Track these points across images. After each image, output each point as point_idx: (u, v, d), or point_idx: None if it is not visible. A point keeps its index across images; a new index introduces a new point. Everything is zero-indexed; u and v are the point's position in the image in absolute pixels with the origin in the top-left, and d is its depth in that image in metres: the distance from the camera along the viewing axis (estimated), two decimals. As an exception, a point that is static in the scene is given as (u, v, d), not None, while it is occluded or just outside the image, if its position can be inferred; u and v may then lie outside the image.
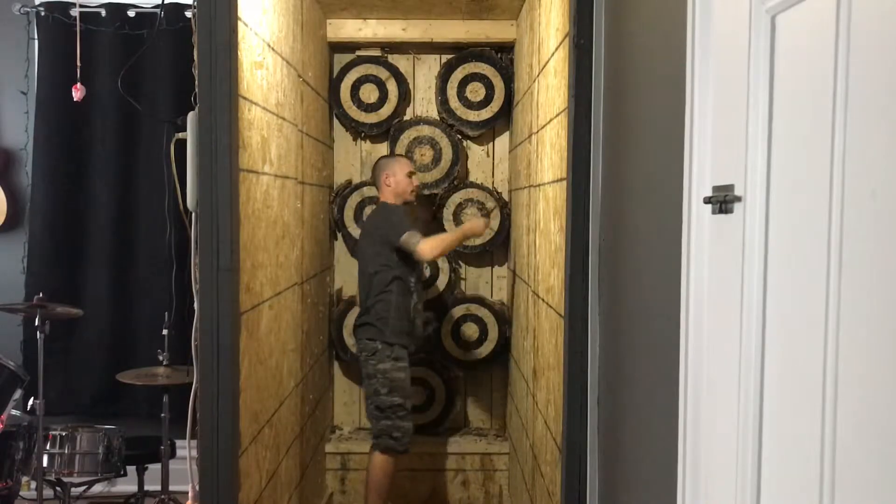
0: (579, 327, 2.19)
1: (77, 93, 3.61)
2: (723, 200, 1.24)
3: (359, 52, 4.25)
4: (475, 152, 4.39)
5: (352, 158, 4.39)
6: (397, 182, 3.67)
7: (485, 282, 4.43)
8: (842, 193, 0.94)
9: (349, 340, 4.22)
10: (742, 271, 1.19)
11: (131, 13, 4.19)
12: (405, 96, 4.29)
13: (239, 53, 2.23)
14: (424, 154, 4.24)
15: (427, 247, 3.53)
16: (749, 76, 1.18)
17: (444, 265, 4.24)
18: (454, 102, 4.24)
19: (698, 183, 1.37)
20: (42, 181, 4.19)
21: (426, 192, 4.25)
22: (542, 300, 2.93)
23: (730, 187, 1.24)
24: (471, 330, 4.24)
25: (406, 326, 3.65)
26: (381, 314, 3.62)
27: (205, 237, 2.16)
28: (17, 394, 3.38)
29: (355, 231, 4.22)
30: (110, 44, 4.17)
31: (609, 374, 2.07)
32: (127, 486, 3.87)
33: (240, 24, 2.25)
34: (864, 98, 0.90)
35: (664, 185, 1.60)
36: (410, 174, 3.71)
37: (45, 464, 3.30)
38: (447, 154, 4.22)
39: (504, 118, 4.29)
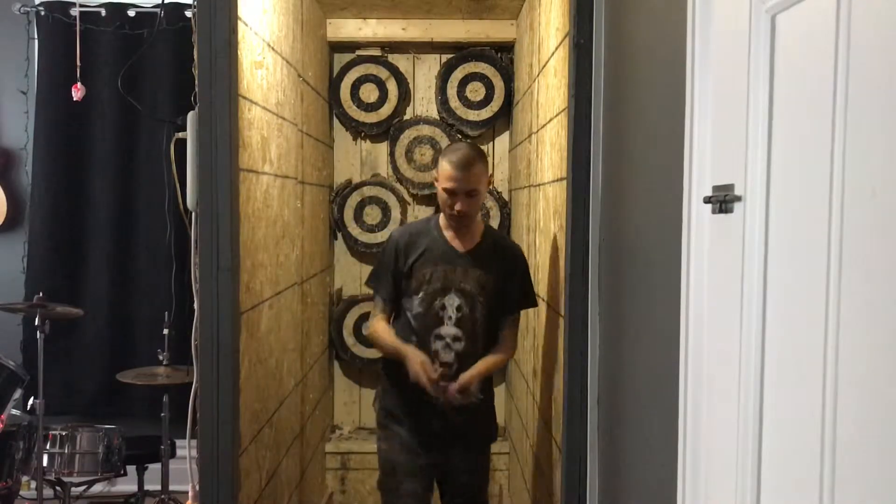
0: (579, 327, 2.19)
1: (77, 92, 3.61)
2: (723, 200, 1.24)
3: (359, 52, 4.25)
4: (475, 152, 4.39)
5: (352, 158, 4.39)
6: (440, 189, 2.64)
7: (485, 281, 4.42)
8: (842, 192, 0.94)
9: (349, 340, 4.23)
10: (742, 271, 1.19)
11: (131, 13, 4.19)
12: (405, 96, 4.29)
13: (239, 53, 2.23)
14: (424, 154, 4.24)
15: (371, 330, 2.75)
16: (749, 76, 1.18)
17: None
18: (454, 102, 4.24)
19: (698, 182, 1.37)
20: (42, 181, 4.19)
21: (425, 191, 4.25)
22: (542, 300, 2.93)
23: (730, 187, 1.24)
24: (471, 330, 4.23)
25: (395, 387, 2.73)
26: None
27: (205, 237, 2.16)
28: (17, 393, 3.38)
29: (355, 231, 4.23)
30: (110, 43, 4.17)
31: (609, 374, 2.07)
32: (127, 485, 3.88)
33: (239, 23, 2.25)
34: (865, 97, 0.90)
35: (664, 185, 1.60)
36: (451, 192, 2.57)
37: (45, 463, 3.30)
38: (447, 154, 4.22)
39: (504, 118, 4.29)
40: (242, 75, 2.29)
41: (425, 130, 4.24)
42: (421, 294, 2.66)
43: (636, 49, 1.86)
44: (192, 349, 2.24)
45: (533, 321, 3.23)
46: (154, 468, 3.61)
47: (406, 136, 4.24)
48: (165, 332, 3.51)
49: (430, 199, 4.31)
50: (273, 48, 2.76)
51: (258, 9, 2.54)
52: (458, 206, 2.57)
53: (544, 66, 2.93)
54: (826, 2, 0.97)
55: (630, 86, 1.90)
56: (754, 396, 1.16)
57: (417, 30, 4.12)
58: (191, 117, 2.18)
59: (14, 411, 3.41)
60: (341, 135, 4.38)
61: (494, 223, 4.24)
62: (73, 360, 4.21)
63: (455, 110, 4.24)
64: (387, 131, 4.30)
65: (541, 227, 3.02)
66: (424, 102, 4.35)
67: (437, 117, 4.30)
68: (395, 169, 4.27)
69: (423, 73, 4.35)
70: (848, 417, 0.93)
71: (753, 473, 1.17)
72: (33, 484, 3.36)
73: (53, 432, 3.37)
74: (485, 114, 4.24)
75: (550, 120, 2.74)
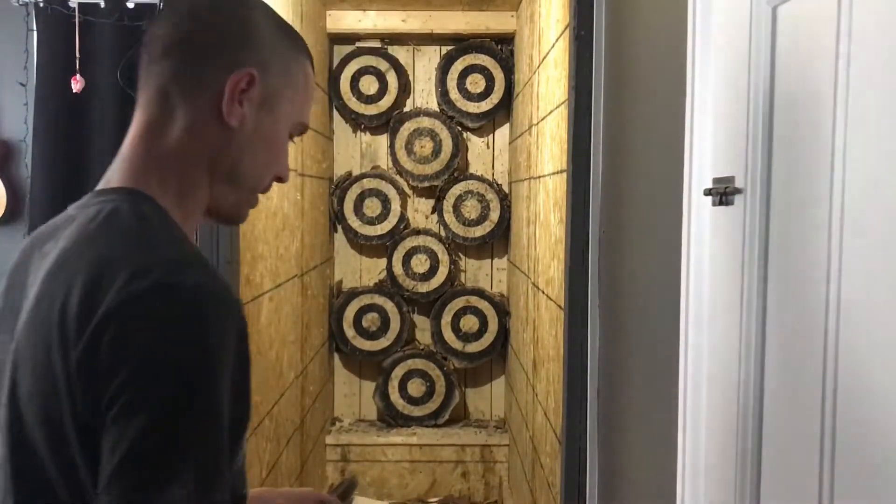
0: (579, 319, 2.19)
1: (76, 84, 3.60)
2: (723, 192, 1.24)
3: (358, 44, 4.24)
4: (475, 144, 4.39)
5: (352, 150, 4.38)
6: (273, 123, 1.05)
7: (485, 274, 4.43)
8: (842, 185, 0.93)
9: (349, 332, 4.23)
10: (742, 263, 1.19)
11: (130, 4, 4.16)
12: (405, 88, 4.28)
13: (238, 45, 2.22)
14: (424, 146, 4.23)
15: None
16: (750, 67, 1.18)
17: (444, 257, 4.25)
18: (454, 94, 4.23)
19: (698, 175, 1.37)
20: (41, 173, 4.17)
21: (425, 183, 4.25)
22: (542, 292, 2.93)
23: (730, 179, 1.23)
24: (470, 322, 4.24)
25: None
26: None
27: (204, 229, 2.16)
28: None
29: (355, 223, 4.22)
30: (109, 35, 4.15)
31: (609, 366, 2.07)
32: (128, 477, 3.88)
33: (239, 15, 2.24)
34: (866, 89, 0.90)
35: (664, 177, 1.59)
36: (302, 127, 1.12)
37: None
38: (447, 146, 4.22)
39: (504, 110, 4.28)
40: (242, 67, 2.29)
41: (425, 122, 4.23)
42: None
43: (637, 41, 1.85)
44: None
45: (533, 313, 3.23)
46: (155, 460, 3.61)
47: (406, 129, 4.24)
48: (165, 324, 3.51)
49: (429, 192, 4.31)
50: (272, 40, 2.75)
51: (257, 0, 2.54)
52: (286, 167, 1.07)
53: (544, 57, 2.93)
54: (827, -7, 0.97)
55: (630, 77, 1.89)
56: (754, 388, 1.17)
57: (417, 21, 4.11)
58: (190, 109, 2.18)
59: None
60: (341, 127, 4.37)
61: (494, 216, 4.23)
62: (74, 352, 4.21)
63: (455, 102, 4.23)
64: (387, 123, 4.29)
65: (541, 219, 3.02)
66: (424, 94, 4.34)
67: (437, 109, 4.29)
68: (395, 161, 4.26)
69: (423, 65, 4.34)
70: (848, 413, 0.93)
71: (753, 464, 1.17)
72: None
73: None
74: (485, 106, 4.23)
75: (551, 112, 2.74)
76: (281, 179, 1.04)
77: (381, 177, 4.24)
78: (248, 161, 0.97)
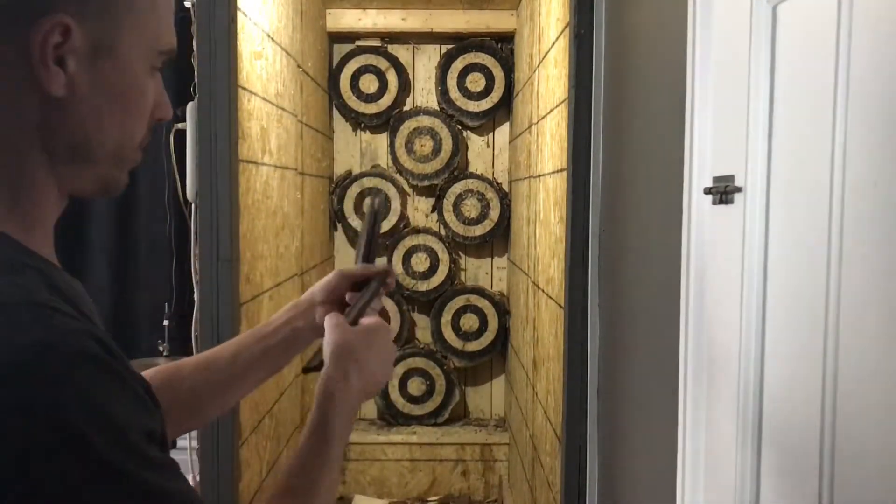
0: (579, 318, 2.19)
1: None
2: (723, 191, 1.24)
3: (358, 43, 4.24)
4: (475, 143, 4.39)
5: (351, 149, 4.38)
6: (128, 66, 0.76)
7: (485, 273, 4.43)
8: (842, 183, 0.93)
9: (349, 331, 4.23)
10: (742, 262, 1.19)
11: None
12: (405, 87, 4.28)
13: (238, 43, 2.22)
14: (424, 145, 4.23)
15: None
16: (750, 67, 1.18)
17: (444, 256, 4.25)
18: (454, 93, 4.23)
19: (699, 174, 1.37)
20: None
21: (425, 182, 4.25)
22: (542, 291, 2.93)
23: (730, 178, 1.23)
24: (471, 321, 4.24)
25: None
26: None
27: (205, 228, 2.16)
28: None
29: (355, 222, 4.22)
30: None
31: (609, 365, 2.07)
32: (127, 476, 3.88)
33: (239, 13, 2.24)
34: (866, 87, 0.90)
35: (665, 176, 1.59)
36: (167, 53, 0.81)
37: (45, 454, 3.31)
38: (447, 145, 4.22)
39: (504, 109, 4.28)
40: (242, 66, 2.29)
41: (425, 121, 4.23)
42: None
43: (637, 39, 1.85)
44: (192, 340, 2.24)
45: (533, 312, 3.23)
46: (154, 459, 3.61)
47: (406, 127, 4.24)
48: (165, 323, 3.52)
49: (429, 191, 4.31)
50: (272, 38, 2.75)
51: (257, -1, 2.54)
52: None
53: (545, 56, 2.93)
54: (828, -8, 0.97)
55: (631, 76, 1.89)
56: (755, 388, 1.17)
57: (417, 20, 4.11)
58: (190, 108, 2.18)
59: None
60: (341, 126, 4.37)
61: (494, 215, 4.23)
62: (74, 350, 4.20)
63: (455, 101, 4.23)
64: (386, 122, 4.29)
65: (541, 219, 3.02)
66: (424, 93, 4.34)
67: (437, 108, 4.29)
68: (395, 160, 4.26)
69: (423, 64, 4.34)
70: (848, 411, 0.93)
71: (754, 463, 1.17)
72: (34, 474, 3.36)
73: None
74: (485, 104, 4.23)
75: (551, 111, 2.74)
76: (162, 119, 0.81)
77: (381, 176, 4.24)
78: (95, 130, 0.74)
